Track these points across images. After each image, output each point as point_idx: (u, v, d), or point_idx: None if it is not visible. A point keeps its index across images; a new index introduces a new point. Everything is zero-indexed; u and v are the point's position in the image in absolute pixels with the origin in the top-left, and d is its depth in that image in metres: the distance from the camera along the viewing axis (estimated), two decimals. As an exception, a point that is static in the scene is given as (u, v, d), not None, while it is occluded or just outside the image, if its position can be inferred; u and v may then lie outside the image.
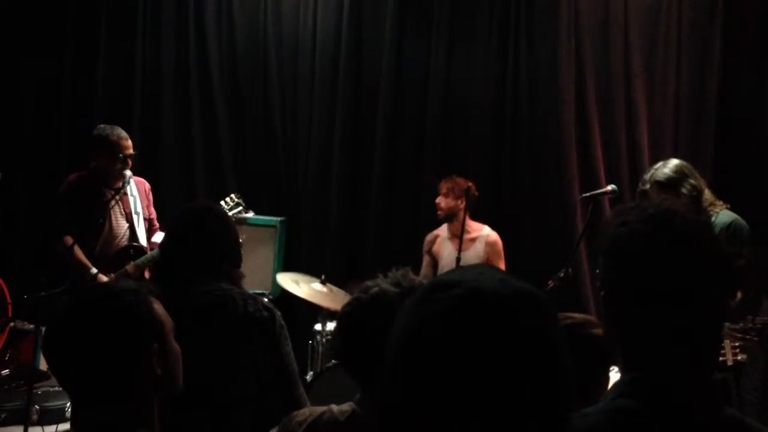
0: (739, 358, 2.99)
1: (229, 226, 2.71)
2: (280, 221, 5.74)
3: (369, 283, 1.85)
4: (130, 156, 4.53)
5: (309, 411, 1.89)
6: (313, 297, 4.57)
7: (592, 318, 2.07)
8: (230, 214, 4.33)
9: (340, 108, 5.85)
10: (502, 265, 4.88)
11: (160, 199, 5.06)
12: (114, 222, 4.55)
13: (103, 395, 1.51)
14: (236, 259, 2.67)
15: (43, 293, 3.91)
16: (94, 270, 4.37)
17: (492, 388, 0.88)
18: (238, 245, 2.70)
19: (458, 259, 4.44)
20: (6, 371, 4.95)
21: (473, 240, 4.90)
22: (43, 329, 4.47)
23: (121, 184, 4.49)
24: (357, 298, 1.85)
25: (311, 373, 4.57)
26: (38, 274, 4.30)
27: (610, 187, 4.05)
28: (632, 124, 5.36)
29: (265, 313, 2.53)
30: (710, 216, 3.66)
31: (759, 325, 3.00)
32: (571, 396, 0.94)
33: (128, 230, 4.59)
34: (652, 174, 3.77)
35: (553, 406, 0.91)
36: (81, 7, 6.20)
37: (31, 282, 4.31)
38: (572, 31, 5.44)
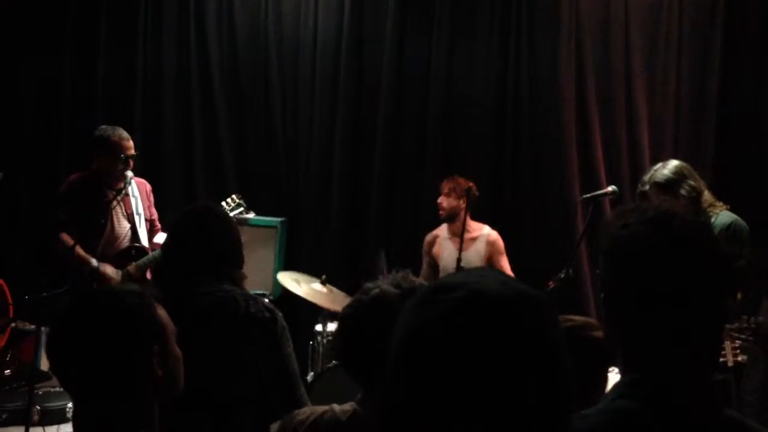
0: (739, 359, 3.00)
1: (230, 227, 2.72)
2: (281, 222, 5.74)
3: (369, 284, 1.86)
4: (132, 157, 4.53)
5: (310, 410, 1.89)
6: (314, 297, 4.58)
7: (592, 320, 2.08)
8: (231, 215, 4.34)
9: (341, 107, 5.85)
10: (504, 262, 4.89)
11: (161, 199, 5.07)
12: (116, 223, 4.55)
13: (104, 395, 1.52)
14: (238, 260, 2.67)
15: (44, 294, 3.91)
16: (95, 262, 4.37)
17: (493, 389, 0.88)
18: (240, 246, 2.70)
19: (459, 259, 4.44)
20: (7, 372, 4.95)
21: (474, 239, 4.90)
22: (45, 330, 4.49)
23: (122, 184, 4.50)
24: (358, 300, 1.85)
25: (312, 373, 4.57)
26: (39, 275, 4.30)
27: (610, 188, 4.06)
28: (633, 123, 5.36)
29: (267, 314, 2.54)
30: (710, 217, 3.66)
31: (754, 325, 3.01)
32: (572, 397, 0.94)
33: (130, 231, 4.59)
34: (652, 175, 3.78)
35: (554, 408, 0.92)
36: (81, 7, 6.20)
37: (32, 282, 4.31)
38: (573, 30, 5.44)
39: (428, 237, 5.10)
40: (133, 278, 4.32)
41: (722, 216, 3.73)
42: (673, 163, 3.82)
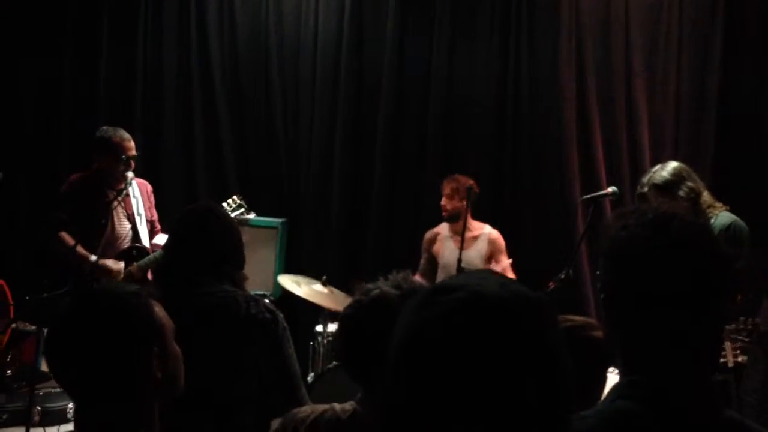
0: (739, 359, 3.00)
1: (231, 228, 2.72)
2: (282, 222, 5.74)
3: (370, 285, 1.86)
4: (133, 157, 4.54)
5: (311, 409, 1.89)
6: (314, 297, 4.58)
7: (591, 320, 2.08)
8: (232, 215, 4.34)
9: (341, 107, 5.85)
10: (505, 260, 4.90)
11: (161, 200, 5.07)
12: (116, 223, 4.56)
13: (104, 396, 1.52)
14: (239, 261, 2.67)
15: (45, 294, 3.91)
16: (94, 257, 4.37)
17: (493, 390, 0.89)
18: (241, 247, 2.70)
19: (459, 260, 4.44)
20: (8, 372, 4.95)
21: (475, 238, 4.90)
22: (46, 331, 4.49)
23: (123, 185, 4.50)
24: (358, 300, 1.86)
25: (312, 374, 4.57)
26: (40, 275, 4.30)
27: (610, 189, 4.06)
28: (633, 123, 5.37)
29: (268, 315, 2.54)
30: (709, 218, 3.66)
31: (751, 326, 3.01)
32: (571, 398, 0.94)
33: (131, 231, 4.60)
34: (650, 177, 3.79)
35: (554, 408, 0.92)
36: (82, 7, 6.20)
37: (32, 283, 4.31)
38: (573, 30, 5.45)
39: (428, 234, 5.10)
40: (135, 278, 4.33)
41: (722, 217, 3.73)
42: (672, 165, 3.82)
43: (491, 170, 5.57)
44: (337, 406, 1.85)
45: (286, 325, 2.58)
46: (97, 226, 4.47)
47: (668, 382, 1.26)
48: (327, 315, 4.67)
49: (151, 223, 4.73)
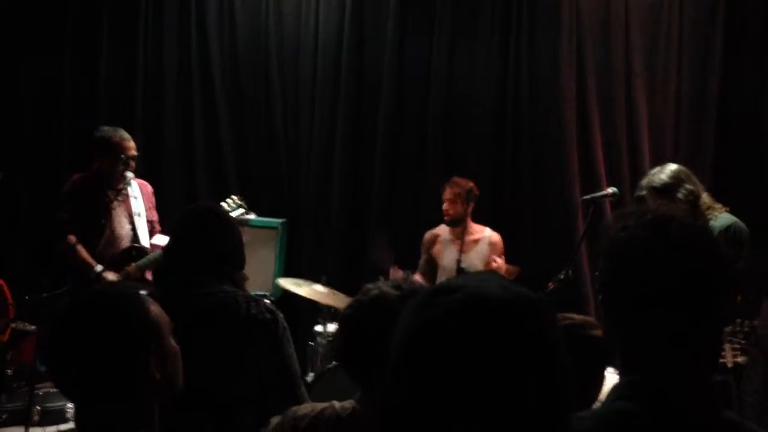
0: (739, 360, 3.00)
1: (231, 228, 2.72)
2: (282, 223, 5.74)
3: (370, 285, 1.86)
4: (133, 157, 4.54)
5: (311, 406, 1.90)
6: (314, 296, 4.59)
7: (591, 319, 2.09)
8: (232, 215, 4.33)
9: (341, 107, 5.85)
10: (499, 260, 4.90)
11: (161, 200, 5.06)
12: (116, 223, 4.56)
13: (103, 396, 1.52)
14: (239, 261, 2.67)
15: (44, 294, 3.92)
16: (99, 267, 4.37)
17: (493, 391, 0.89)
18: (241, 247, 2.70)
19: (459, 261, 4.44)
20: (8, 372, 4.96)
21: (476, 241, 4.91)
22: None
23: (122, 185, 4.50)
24: (358, 300, 1.86)
25: (312, 374, 4.57)
26: (40, 275, 4.30)
27: (610, 190, 4.07)
28: (633, 123, 5.36)
29: (268, 315, 2.54)
30: (709, 220, 3.66)
31: (747, 329, 3.01)
32: (571, 398, 0.95)
33: (131, 231, 4.59)
34: (649, 180, 3.79)
35: (554, 408, 0.92)
36: (82, 7, 6.20)
37: (32, 283, 4.32)
38: (573, 30, 5.44)
39: (428, 235, 5.10)
40: (133, 278, 4.33)
41: (721, 218, 3.73)
42: (670, 168, 3.82)
43: (491, 170, 5.57)
44: (336, 404, 1.85)
45: (286, 325, 2.59)
46: (96, 226, 4.47)
47: (667, 382, 1.26)
48: (327, 315, 4.67)
49: (150, 224, 4.72)
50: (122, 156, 4.47)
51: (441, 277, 4.89)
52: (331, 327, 4.58)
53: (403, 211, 5.77)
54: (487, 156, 5.60)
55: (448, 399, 0.89)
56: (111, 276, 4.39)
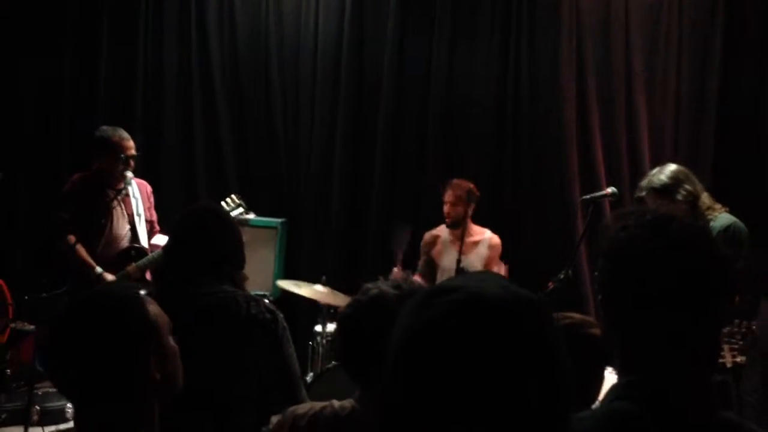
0: (738, 360, 3.00)
1: (231, 228, 2.72)
2: (281, 223, 5.74)
3: (369, 285, 1.87)
4: (132, 157, 4.54)
5: (310, 405, 1.90)
6: (315, 295, 4.59)
7: (590, 318, 2.09)
8: (230, 214, 4.33)
9: (341, 107, 5.86)
10: (500, 266, 4.90)
11: (161, 200, 5.07)
12: (115, 223, 4.55)
13: (103, 396, 1.52)
14: (239, 261, 2.67)
15: (43, 294, 3.92)
16: (99, 269, 4.37)
17: (493, 391, 0.89)
18: (241, 247, 2.70)
19: (459, 260, 4.44)
20: (7, 371, 4.96)
21: (476, 243, 4.91)
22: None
23: (122, 185, 4.50)
24: (357, 300, 1.86)
25: (311, 374, 4.57)
26: (39, 275, 4.30)
27: (610, 190, 4.07)
28: (633, 123, 5.37)
29: (268, 315, 2.54)
30: (708, 220, 3.66)
31: (744, 329, 3.01)
32: (571, 398, 0.94)
33: (130, 232, 4.59)
34: (648, 180, 3.79)
35: (553, 408, 0.92)
36: (82, 7, 6.20)
37: (31, 283, 4.32)
38: (573, 30, 5.45)
39: (428, 236, 5.09)
40: (133, 279, 4.33)
41: (721, 218, 3.73)
42: (670, 168, 3.82)
43: (491, 170, 5.57)
44: (336, 403, 1.85)
45: (286, 325, 2.59)
46: (96, 225, 4.47)
47: (667, 382, 1.26)
48: (326, 315, 4.67)
49: (150, 224, 4.72)
50: (122, 156, 4.47)
51: (441, 278, 4.89)
52: (331, 327, 4.58)
53: (403, 211, 5.76)
54: (487, 156, 5.61)
55: (446, 399, 0.89)
56: (111, 278, 4.39)
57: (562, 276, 3.63)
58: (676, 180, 3.74)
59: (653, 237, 1.28)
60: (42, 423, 4.45)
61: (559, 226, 5.38)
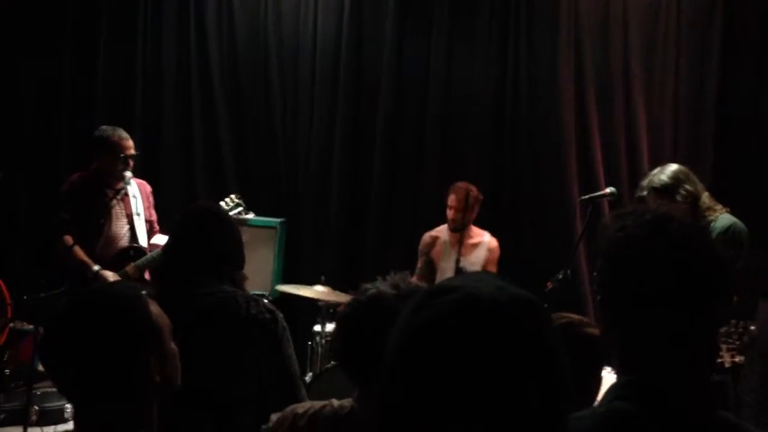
0: (736, 360, 3.00)
1: (231, 228, 2.72)
2: (280, 222, 5.74)
3: (367, 285, 1.87)
4: (132, 157, 4.54)
5: (310, 404, 1.90)
6: (314, 294, 4.60)
7: (586, 319, 2.09)
8: (230, 214, 4.33)
9: (340, 107, 5.86)
10: (493, 270, 4.91)
11: (160, 199, 5.06)
12: (114, 222, 4.55)
13: (103, 396, 1.52)
14: (239, 261, 2.67)
15: (42, 294, 3.91)
16: (96, 267, 4.36)
17: (490, 391, 0.89)
18: (241, 247, 2.70)
19: (458, 260, 4.45)
20: (6, 371, 4.96)
21: (475, 245, 4.91)
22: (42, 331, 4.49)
23: (121, 185, 4.50)
24: (356, 300, 1.86)
25: (310, 374, 4.58)
26: (38, 275, 4.30)
27: (608, 190, 4.07)
28: (631, 124, 5.38)
29: (268, 315, 2.54)
30: (709, 221, 3.66)
31: (741, 329, 3.01)
32: (569, 398, 0.95)
33: (129, 231, 4.59)
34: (649, 180, 3.78)
35: (552, 408, 0.92)
36: (81, 7, 6.20)
37: (30, 283, 4.31)
38: (572, 31, 5.45)
39: (427, 237, 5.09)
40: (131, 278, 4.33)
41: (721, 219, 3.73)
42: (671, 168, 3.82)
43: (490, 171, 5.58)
44: (335, 401, 1.86)
45: (285, 325, 2.59)
46: (95, 225, 4.46)
47: (665, 382, 1.27)
48: (325, 315, 4.67)
49: (149, 224, 4.72)
50: (121, 156, 4.46)
51: (439, 280, 4.89)
52: (330, 327, 4.58)
53: (402, 211, 5.77)
54: (486, 156, 5.61)
55: (445, 399, 0.89)
56: (109, 275, 4.39)
57: (561, 276, 3.64)
58: (676, 180, 3.74)
59: (652, 237, 1.28)
60: (41, 423, 4.45)
61: (557, 226, 5.38)
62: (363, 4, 5.85)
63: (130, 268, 4.40)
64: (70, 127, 6.13)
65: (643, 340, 1.29)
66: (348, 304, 1.87)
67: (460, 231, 4.80)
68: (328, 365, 4.32)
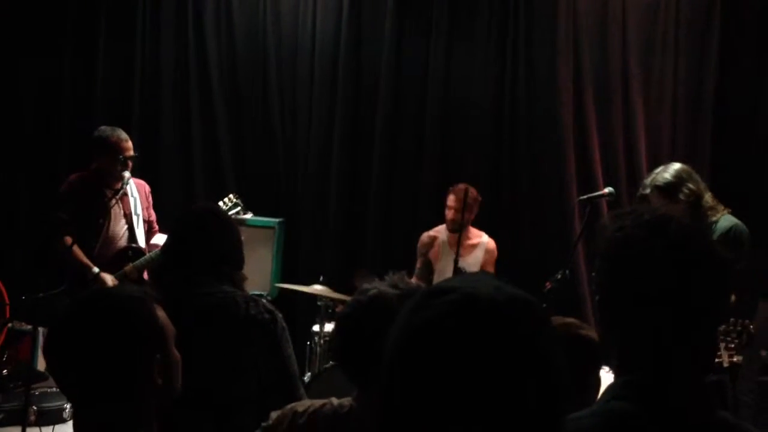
0: (734, 359, 3.01)
1: (230, 228, 2.72)
2: (279, 222, 5.74)
3: (367, 285, 1.87)
4: (131, 158, 4.53)
5: (309, 402, 1.90)
6: (313, 292, 4.60)
7: (579, 322, 2.09)
8: (229, 214, 4.33)
9: (339, 108, 5.86)
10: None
11: (159, 199, 5.07)
12: (113, 223, 4.55)
13: (103, 396, 1.52)
14: (238, 261, 2.67)
15: (41, 294, 3.91)
16: (96, 269, 4.37)
17: (489, 391, 0.89)
18: (240, 247, 2.70)
19: (456, 260, 4.45)
20: (4, 372, 4.96)
21: (474, 246, 4.91)
22: (42, 330, 4.49)
23: (120, 185, 4.50)
24: (356, 300, 1.86)
25: (309, 374, 4.58)
26: (37, 275, 4.30)
27: (607, 190, 4.08)
28: (630, 124, 5.38)
29: (267, 316, 2.54)
30: (711, 221, 3.65)
31: (740, 328, 3.02)
32: (567, 399, 0.95)
33: (127, 231, 4.59)
34: (653, 179, 3.78)
35: (549, 409, 0.92)
36: (81, 7, 6.20)
37: (29, 283, 4.31)
38: (570, 31, 5.46)
39: (425, 237, 5.09)
40: (130, 279, 4.33)
41: (723, 220, 3.72)
42: (674, 167, 3.81)
43: (489, 171, 5.58)
44: (335, 400, 1.86)
45: (285, 325, 2.59)
46: (94, 225, 4.46)
47: (664, 382, 1.27)
48: (324, 315, 4.67)
49: (148, 224, 4.72)
50: (120, 157, 4.46)
51: (437, 280, 4.88)
52: (329, 327, 4.58)
53: (401, 211, 5.78)
54: (485, 157, 5.61)
55: (443, 399, 0.89)
56: (108, 279, 4.39)
57: (559, 276, 3.63)
58: (679, 178, 3.74)
59: (651, 237, 1.28)
60: (39, 423, 4.45)
61: (556, 227, 5.39)
62: (362, 4, 5.85)
63: (128, 268, 4.40)
64: (69, 127, 6.13)
65: (641, 340, 1.29)
66: (348, 304, 1.87)
67: (458, 231, 4.79)
68: (327, 365, 4.33)
